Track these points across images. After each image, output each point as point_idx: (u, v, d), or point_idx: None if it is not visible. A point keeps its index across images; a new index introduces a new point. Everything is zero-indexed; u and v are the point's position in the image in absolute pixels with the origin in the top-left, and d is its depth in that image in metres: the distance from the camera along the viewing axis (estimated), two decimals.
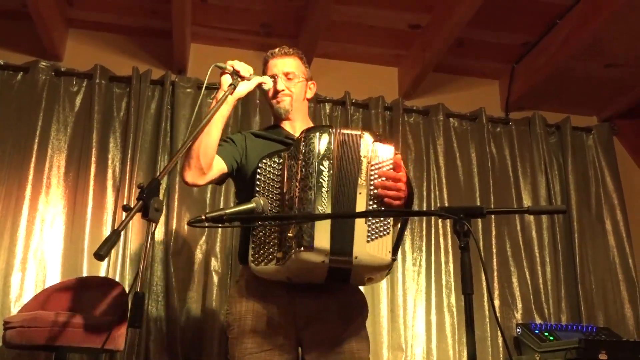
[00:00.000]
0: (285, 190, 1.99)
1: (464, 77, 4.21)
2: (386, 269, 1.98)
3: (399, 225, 2.06)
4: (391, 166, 2.00)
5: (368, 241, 1.90)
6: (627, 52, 3.71)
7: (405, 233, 3.40)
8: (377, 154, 2.00)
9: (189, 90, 3.64)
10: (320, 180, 1.92)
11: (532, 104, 4.16)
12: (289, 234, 1.89)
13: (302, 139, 1.99)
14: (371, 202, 1.94)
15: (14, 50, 3.64)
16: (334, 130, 2.01)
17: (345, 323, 2.07)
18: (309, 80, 2.37)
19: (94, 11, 3.66)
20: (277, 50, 2.33)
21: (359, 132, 2.02)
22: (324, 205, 1.89)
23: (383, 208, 1.96)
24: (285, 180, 2.00)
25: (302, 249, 1.85)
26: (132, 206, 1.70)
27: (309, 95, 2.38)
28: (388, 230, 1.94)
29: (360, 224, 1.90)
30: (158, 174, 1.86)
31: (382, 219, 1.94)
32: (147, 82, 3.61)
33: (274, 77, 2.27)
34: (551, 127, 4.18)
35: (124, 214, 1.68)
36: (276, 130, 2.32)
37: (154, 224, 1.72)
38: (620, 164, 4.16)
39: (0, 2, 3.57)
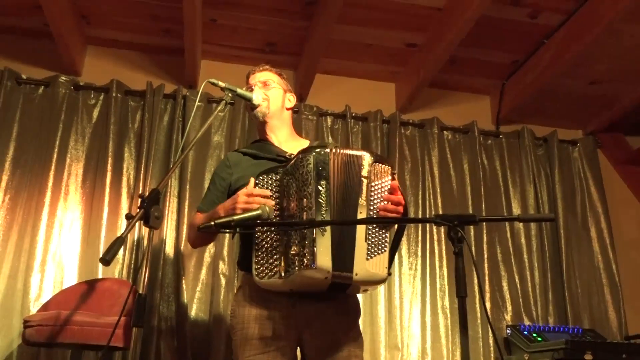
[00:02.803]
0: (284, 207, 1.95)
1: (457, 92, 4.21)
2: (382, 283, 1.98)
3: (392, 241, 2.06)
4: (389, 187, 1.98)
5: (367, 259, 1.88)
6: (609, 70, 3.72)
7: (402, 239, 3.39)
8: (377, 175, 1.98)
9: (199, 104, 3.65)
10: (319, 200, 1.88)
11: (521, 118, 4.16)
12: (291, 252, 1.87)
13: (300, 160, 1.95)
14: None
15: (36, 65, 3.66)
16: (333, 150, 1.96)
17: (344, 328, 2.06)
18: (287, 91, 2.38)
19: (110, 29, 3.68)
20: (256, 67, 2.39)
21: (360, 153, 1.98)
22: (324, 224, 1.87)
23: (382, 229, 1.95)
24: (283, 197, 1.97)
25: (305, 267, 1.83)
26: (134, 214, 1.70)
27: (288, 105, 2.37)
28: (385, 248, 1.93)
29: (360, 243, 1.88)
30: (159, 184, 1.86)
31: (380, 237, 1.92)
32: (160, 96, 3.62)
33: (250, 87, 2.31)
34: (539, 140, 4.18)
35: (133, 221, 1.69)
36: (265, 145, 2.29)
37: (154, 230, 1.73)
38: (604, 175, 4.15)
39: (23, 21, 3.59)
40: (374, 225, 1.93)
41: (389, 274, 1.95)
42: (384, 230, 1.96)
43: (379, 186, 1.97)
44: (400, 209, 1.98)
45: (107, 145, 3.48)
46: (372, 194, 1.95)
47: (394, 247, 2.07)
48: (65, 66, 3.63)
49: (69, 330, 2.46)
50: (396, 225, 2.07)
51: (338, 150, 1.97)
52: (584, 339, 3.28)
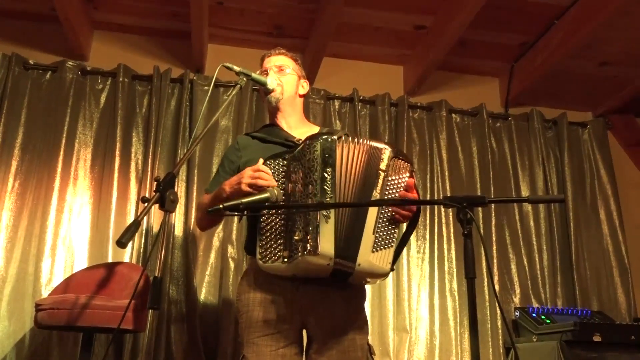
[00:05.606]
0: (290, 192, 1.95)
1: (465, 75, 4.19)
2: (383, 277, 1.97)
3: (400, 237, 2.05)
4: (406, 184, 1.97)
5: (373, 251, 1.88)
6: (620, 51, 3.68)
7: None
8: (395, 170, 1.97)
9: (206, 88, 3.64)
10: (324, 187, 1.86)
11: (530, 101, 4.14)
12: (295, 237, 1.86)
13: (307, 146, 1.93)
14: (381, 215, 1.92)
15: (43, 50, 3.66)
16: (342, 137, 1.95)
17: (350, 312, 2.06)
18: (301, 77, 2.36)
19: (117, 14, 3.67)
20: (272, 50, 2.36)
21: (381, 146, 1.97)
22: (328, 211, 1.84)
23: (391, 224, 1.94)
24: (289, 182, 1.96)
25: (307, 253, 1.83)
26: (150, 198, 1.71)
27: (302, 91, 2.35)
28: (392, 244, 1.93)
29: (367, 234, 1.88)
30: (174, 167, 1.86)
31: (388, 232, 1.92)
32: (167, 81, 3.62)
33: (265, 70, 2.29)
34: (548, 122, 4.15)
35: (149, 205, 1.70)
36: (274, 130, 2.28)
37: (170, 214, 1.73)
38: (614, 157, 4.14)
39: (30, 6, 3.59)
40: (384, 220, 1.92)
41: (392, 269, 1.94)
42: (393, 226, 1.95)
43: (396, 181, 1.95)
44: (414, 208, 1.98)
45: (115, 130, 3.49)
46: (388, 188, 1.94)
47: (402, 245, 2.07)
48: (72, 51, 3.63)
49: (80, 313, 2.48)
50: (405, 224, 2.06)
51: (352, 139, 1.96)
52: (592, 320, 3.29)
